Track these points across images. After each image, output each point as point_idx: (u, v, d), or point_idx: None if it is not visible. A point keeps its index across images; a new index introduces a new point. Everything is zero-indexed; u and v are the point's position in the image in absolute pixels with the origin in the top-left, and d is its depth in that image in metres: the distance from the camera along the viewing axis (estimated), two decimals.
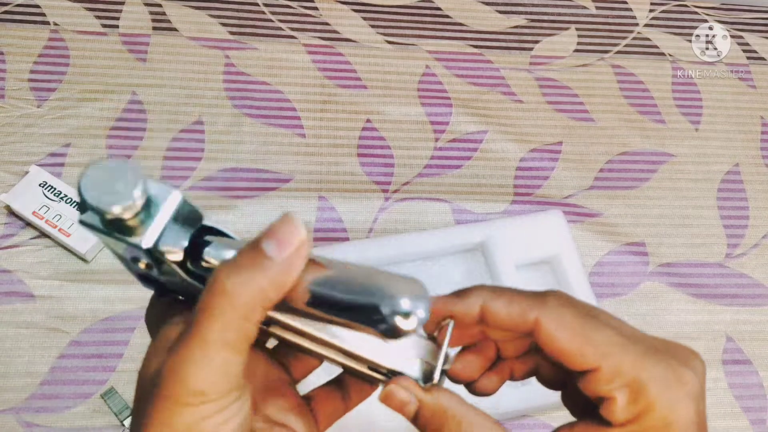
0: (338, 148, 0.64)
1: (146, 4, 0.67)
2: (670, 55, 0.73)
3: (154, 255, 0.23)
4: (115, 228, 0.22)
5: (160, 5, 0.68)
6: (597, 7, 0.75)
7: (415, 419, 0.25)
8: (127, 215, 0.21)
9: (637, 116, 0.69)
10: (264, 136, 0.63)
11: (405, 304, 0.21)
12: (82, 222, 0.22)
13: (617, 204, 0.65)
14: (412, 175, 0.63)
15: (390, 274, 0.23)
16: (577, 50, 0.72)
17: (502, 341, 0.27)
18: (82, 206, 0.22)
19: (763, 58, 0.74)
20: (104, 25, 0.66)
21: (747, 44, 0.75)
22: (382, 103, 0.66)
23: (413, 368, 0.25)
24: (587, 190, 0.65)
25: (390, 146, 0.64)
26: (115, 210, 0.21)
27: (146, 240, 0.22)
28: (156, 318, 0.27)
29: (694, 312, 0.61)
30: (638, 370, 0.23)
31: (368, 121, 0.65)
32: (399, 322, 0.21)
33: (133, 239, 0.22)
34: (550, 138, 0.67)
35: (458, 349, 0.28)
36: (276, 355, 0.29)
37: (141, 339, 0.54)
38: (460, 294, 0.26)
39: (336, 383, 0.29)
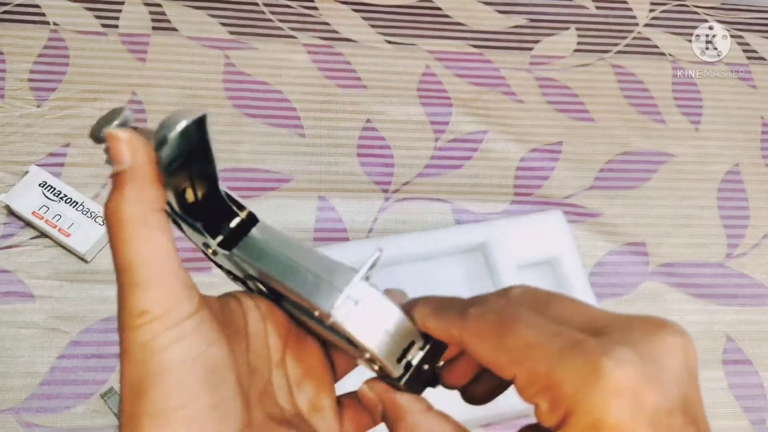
0: (338, 147, 0.64)
1: (146, 4, 0.67)
2: (670, 55, 0.73)
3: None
4: None
5: (159, 5, 0.68)
6: (597, 7, 0.75)
7: (383, 418, 0.26)
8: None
9: (637, 116, 0.69)
10: (264, 136, 0.63)
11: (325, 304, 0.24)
12: None
13: (617, 204, 0.65)
14: (412, 175, 0.63)
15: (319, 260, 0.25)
16: (577, 50, 0.72)
17: None
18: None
19: (763, 58, 0.74)
20: (104, 25, 0.66)
21: (747, 44, 0.75)
22: (382, 102, 0.66)
23: (396, 364, 0.26)
24: (587, 190, 0.65)
25: (390, 146, 0.64)
26: (95, 135, 0.24)
27: None
28: None
29: (694, 312, 0.61)
30: (551, 371, 0.21)
31: (368, 120, 0.65)
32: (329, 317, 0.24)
33: None
34: (551, 138, 0.67)
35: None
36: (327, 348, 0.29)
37: None
38: (410, 305, 0.26)
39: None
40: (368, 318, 0.25)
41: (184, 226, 0.25)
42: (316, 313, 0.25)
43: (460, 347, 0.24)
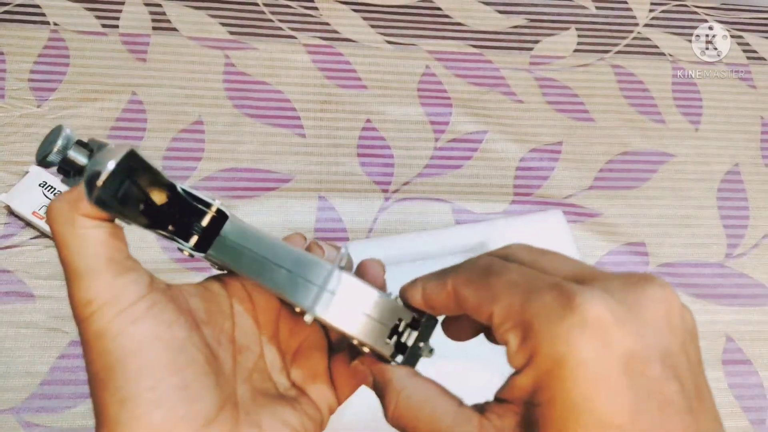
0: (338, 148, 0.64)
1: (146, 4, 0.67)
2: (670, 55, 0.73)
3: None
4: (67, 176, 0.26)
5: (160, 5, 0.68)
6: (597, 7, 0.75)
7: (374, 388, 0.27)
8: (52, 161, 0.25)
9: (637, 116, 0.69)
10: (264, 136, 0.63)
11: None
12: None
13: (617, 204, 0.65)
14: (412, 175, 0.63)
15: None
16: (577, 50, 0.72)
17: None
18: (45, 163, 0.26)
19: (763, 58, 0.74)
20: (104, 25, 0.66)
21: (747, 44, 0.75)
22: (381, 103, 0.66)
23: (385, 344, 0.26)
24: (587, 190, 0.65)
25: (390, 146, 0.64)
26: (40, 159, 0.25)
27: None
28: None
29: (694, 312, 0.60)
30: (525, 307, 0.20)
31: (368, 121, 0.65)
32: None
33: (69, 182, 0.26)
34: (550, 138, 0.67)
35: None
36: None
37: None
38: (413, 282, 0.26)
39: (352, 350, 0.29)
40: (347, 306, 0.25)
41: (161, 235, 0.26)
42: (297, 309, 0.25)
43: (454, 301, 0.24)
